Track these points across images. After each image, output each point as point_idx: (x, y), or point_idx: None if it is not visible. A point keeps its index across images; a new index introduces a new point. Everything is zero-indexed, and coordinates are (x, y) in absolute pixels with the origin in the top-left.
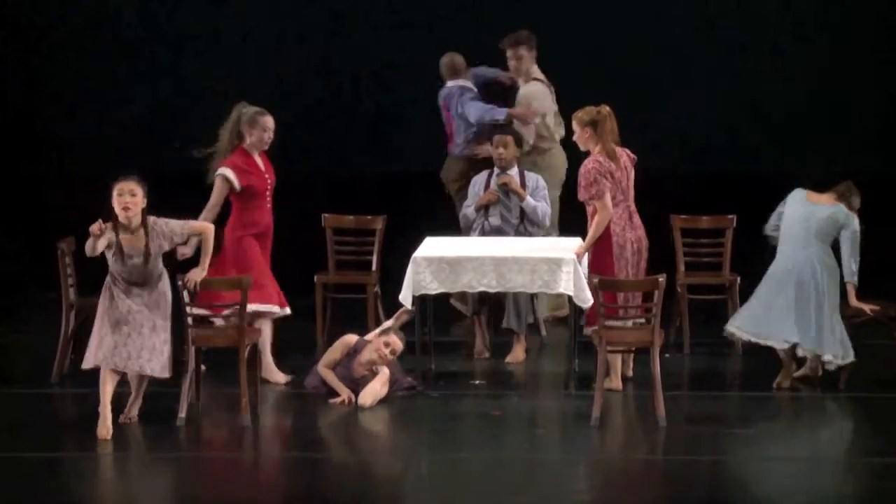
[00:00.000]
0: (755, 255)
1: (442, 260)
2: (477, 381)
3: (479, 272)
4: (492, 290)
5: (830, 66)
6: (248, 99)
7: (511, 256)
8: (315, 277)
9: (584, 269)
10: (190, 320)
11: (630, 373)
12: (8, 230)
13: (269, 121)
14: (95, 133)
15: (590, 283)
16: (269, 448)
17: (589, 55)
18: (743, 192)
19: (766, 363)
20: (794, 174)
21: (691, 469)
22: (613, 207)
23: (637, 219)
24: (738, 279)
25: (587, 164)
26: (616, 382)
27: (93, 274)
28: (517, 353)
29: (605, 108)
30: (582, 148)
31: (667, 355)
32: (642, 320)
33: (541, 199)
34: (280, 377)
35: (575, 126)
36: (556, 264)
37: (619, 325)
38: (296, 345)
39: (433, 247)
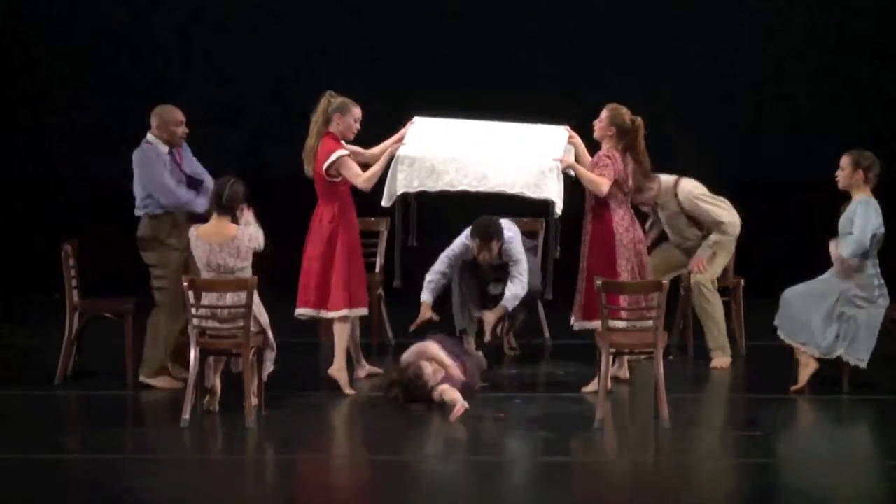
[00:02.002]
0: (758, 257)
1: (424, 160)
2: (480, 384)
3: (460, 173)
4: (472, 190)
5: (833, 71)
6: (249, 101)
7: (495, 158)
8: None
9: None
10: (195, 321)
11: (627, 375)
12: (12, 231)
13: (358, 111)
14: (99, 134)
15: (594, 285)
16: (271, 450)
17: (592, 59)
18: (746, 194)
19: (769, 365)
20: (796, 179)
21: (696, 472)
22: (618, 208)
23: (635, 219)
24: (742, 281)
25: (600, 153)
26: (592, 387)
27: (96, 276)
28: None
29: (639, 121)
30: (596, 136)
31: (670, 357)
32: (648, 322)
33: (515, 278)
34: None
35: (603, 115)
36: (538, 168)
37: (622, 326)
38: (298, 347)
39: (418, 141)
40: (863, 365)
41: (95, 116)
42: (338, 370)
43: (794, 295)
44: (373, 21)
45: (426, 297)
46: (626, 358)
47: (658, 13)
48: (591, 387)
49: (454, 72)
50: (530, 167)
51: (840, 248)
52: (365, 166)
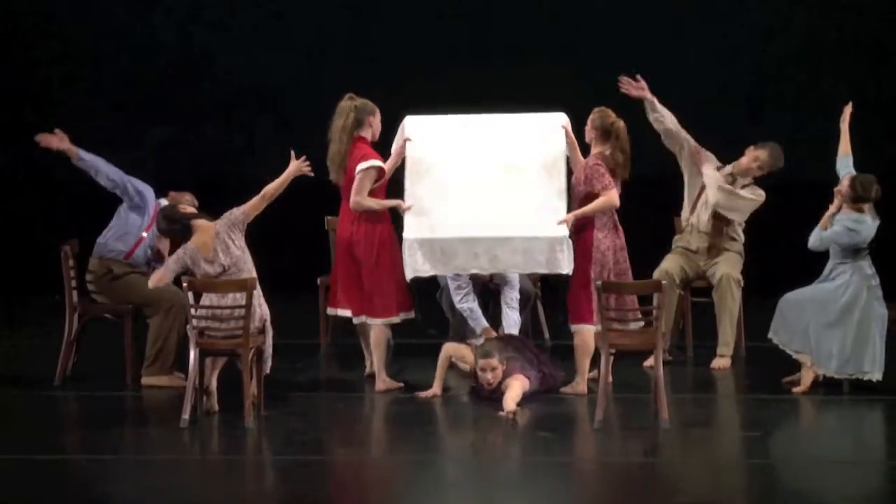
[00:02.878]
0: (757, 257)
1: (434, 242)
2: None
3: (471, 254)
4: (485, 272)
5: (833, 71)
6: (247, 101)
7: (504, 237)
8: (318, 280)
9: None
10: (194, 322)
11: (585, 390)
12: (12, 232)
13: (379, 112)
14: (99, 135)
15: (592, 286)
16: (271, 450)
17: (592, 59)
18: None
19: (769, 365)
20: (796, 180)
21: (696, 472)
22: (599, 215)
23: (619, 225)
24: (742, 282)
25: (589, 162)
26: (582, 387)
27: None
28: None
29: (619, 124)
30: (586, 139)
31: (669, 357)
32: (641, 323)
33: (511, 306)
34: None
35: (589, 120)
36: (549, 244)
37: (621, 327)
38: (298, 347)
39: (421, 206)
40: (877, 377)
41: (95, 116)
42: (383, 381)
43: (790, 303)
44: (373, 21)
45: (483, 322)
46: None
47: (658, 13)
48: (569, 388)
49: (454, 72)
50: (539, 245)
51: (812, 238)
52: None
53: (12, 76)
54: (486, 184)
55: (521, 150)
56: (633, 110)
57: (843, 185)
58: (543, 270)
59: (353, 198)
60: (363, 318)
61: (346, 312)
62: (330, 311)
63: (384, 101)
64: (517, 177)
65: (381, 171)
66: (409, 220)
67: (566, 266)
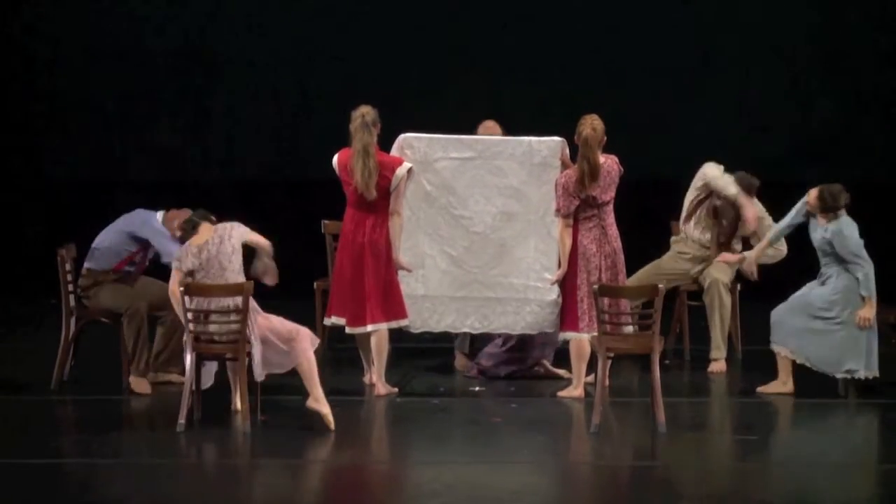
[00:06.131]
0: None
1: (426, 299)
2: (477, 388)
3: (461, 313)
4: (475, 332)
5: (833, 73)
6: (242, 101)
7: (495, 297)
8: (314, 284)
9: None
10: (191, 326)
11: (582, 393)
12: (8, 236)
13: None
14: (96, 139)
15: (578, 293)
16: (268, 455)
17: (599, 60)
18: None
19: (765, 369)
20: (793, 180)
21: (693, 476)
22: (584, 222)
23: (613, 231)
24: (739, 286)
25: (559, 179)
26: (579, 391)
27: None
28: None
29: (586, 132)
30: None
31: (666, 362)
32: (630, 328)
33: None
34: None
35: None
36: (539, 306)
37: (616, 331)
38: None
39: (416, 262)
40: (873, 374)
41: (94, 119)
42: (383, 386)
43: (782, 313)
44: (366, 23)
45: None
46: (583, 377)
47: (659, 17)
48: (566, 392)
49: (451, 73)
50: (528, 307)
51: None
52: None
53: (9, 78)
54: (479, 226)
55: (515, 186)
56: (636, 113)
57: (811, 196)
58: (532, 331)
59: (395, 206)
60: (378, 326)
61: (344, 322)
62: (327, 321)
63: (379, 103)
64: (511, 223)
65: (411, 171)
66: (402, 286)
67: (551, 327)
